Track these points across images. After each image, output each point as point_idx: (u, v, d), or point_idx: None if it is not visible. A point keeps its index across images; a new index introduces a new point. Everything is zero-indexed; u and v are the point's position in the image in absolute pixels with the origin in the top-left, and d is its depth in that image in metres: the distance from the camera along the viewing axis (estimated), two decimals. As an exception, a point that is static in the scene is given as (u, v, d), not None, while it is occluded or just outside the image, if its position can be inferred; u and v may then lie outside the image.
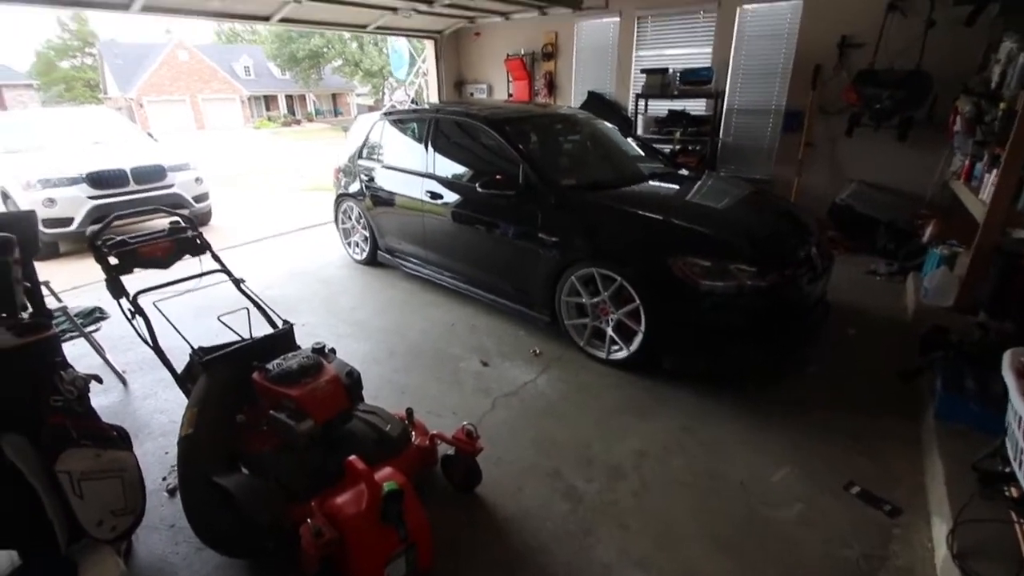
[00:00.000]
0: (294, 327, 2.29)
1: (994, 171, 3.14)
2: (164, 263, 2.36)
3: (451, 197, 3.83)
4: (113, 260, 2.19)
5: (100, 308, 3.94)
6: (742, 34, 5.70)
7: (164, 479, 2.28)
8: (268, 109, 37.33)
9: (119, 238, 2.24)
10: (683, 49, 6.21)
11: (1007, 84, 3.34)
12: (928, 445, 2.31)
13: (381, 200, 4.46)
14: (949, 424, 2.28)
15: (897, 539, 1.95)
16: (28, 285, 1.86)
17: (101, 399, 2.85)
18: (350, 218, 5.00)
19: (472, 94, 8.54)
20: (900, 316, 3.72)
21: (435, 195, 3.91)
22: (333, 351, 2.19)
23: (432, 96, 8.70)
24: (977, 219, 3.28)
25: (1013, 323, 2.72)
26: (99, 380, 1.87)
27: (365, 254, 4.93)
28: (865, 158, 5.27)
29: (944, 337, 2.76)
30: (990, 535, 1.73)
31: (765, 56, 5.63)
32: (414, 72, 10.48)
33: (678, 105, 6.12)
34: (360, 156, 4.73)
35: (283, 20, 5.99)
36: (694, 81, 5.80)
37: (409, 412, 2.26)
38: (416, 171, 4.10)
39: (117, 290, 2.14)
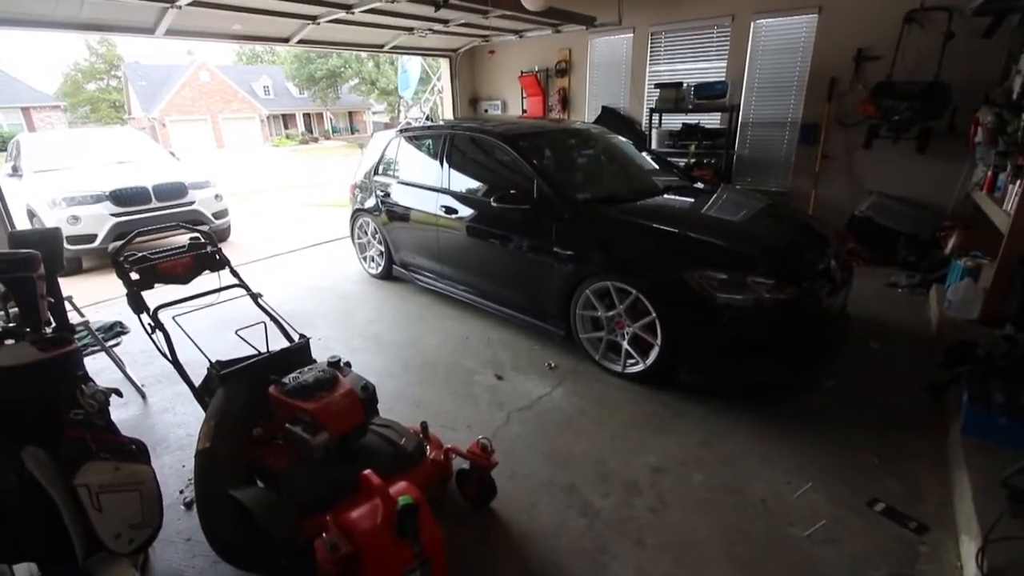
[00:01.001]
0: (310, 341, 2.31)
1: (1018, 181, 3.08)
2: (184, 279, 2.40)
3: (466, 212, 3.85)
4: (134, 276, 2.23)
5: (121, 323, 4.01)
6: (756, 48, 5.70)
7: (181, 492, 2.30)
8: (286, 127, 38.15)
9: (140, 254, 2.29)
10: (697, 63, 6.23)
11: (1029, 94, 3.29)
12: (955, 461, 2.24)
13: (396, 215, 4.50)
14: (976, 439, 2.20)
15: (924, 558, 1.88)
16: (52, 300, 1.90)
17: (120, 413, 2.89)
18: (366, 233, 5.06)
19: (486, 110, 8.65)
20: (923, 329, 3.63)
21: (450, 210, 3.94)
22: (348, 365, 2.19)
23: (447, 113, 8.83)
24: (1001, 230, 3.20)
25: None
26: (119, 394, 1.90)
27: (380, 268, 4.98)
28: (884, 170, 5.21)
29: (970, 350, 2.69)
30: (1021, 553, 1.66)
31: (780, 69, 5.62)
32: (429, 89, 10.65)
33: (692, 119, 6.12)
34: (376, 172, 4.80)
35: (302, 41, 6.14)
36: (708, 95, 5.80)
37: (424, 426, 2.25)
38: (431, 186, 4.15)
39: (138, 305, 2.18)
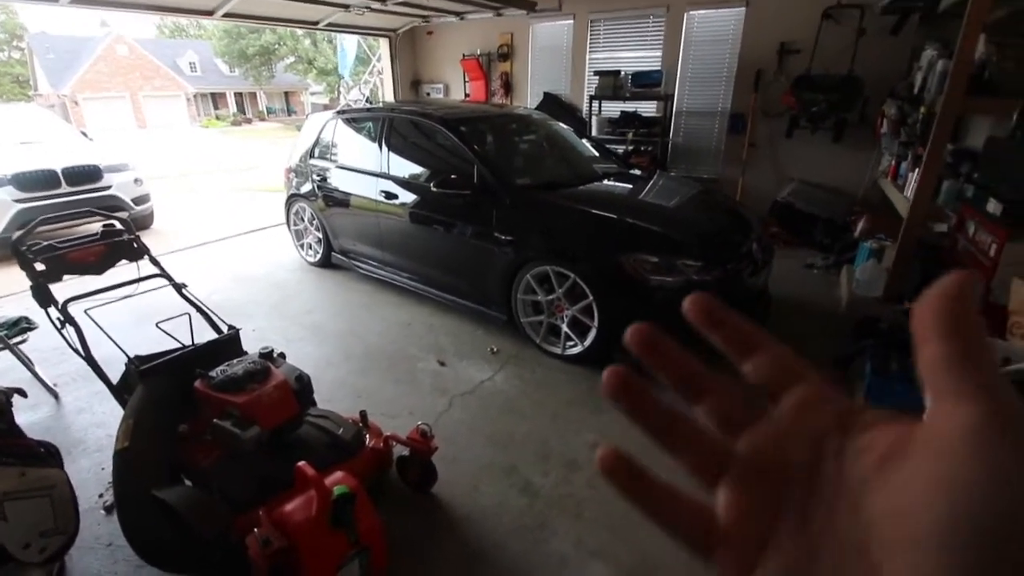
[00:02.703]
0: (241, 332, 2.22)
1: (916, 170, 3.36)
2: (97, 269, 2.25)
3: (406, 197, 3.79)
4: (40, 266, 2.07)
5: (27, 318, 3.67)
6: (689, 39, 5.89)
7: (101, 496, 2.17)
8: (216, 107, 35.86)
9: (47, 243, 2.13)
10: (635, 52, 6.36)
11: (927, 89, 3.58)
12: (859, 426, 2.46)
13: (334, 201, 4.37)
14: (878, 404, 2.42)
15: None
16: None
17: (29, 415, 2.68)
18: (302, 219, 4.88)
19: (428, 94, 8.48)
20: (835, 307, 3.93)
21: (390, 195, 3.86)
22: (282, 355, 2.14)
23: (387, 95, 8.59)
24: (902, 214, 3.50)
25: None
26: (23, 394, 1.77)
27: (319, 256, 4.83)
28: (804, 158, 5.55)
29: (874, 325, 2.95)
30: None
31: (711, 60, 5.84)
32: (369, 71, 10.32)
33: (630, 107, 6.27)
34: (312, 156, 4.63)
35: (228, 15, 5.78)
36: (645, 84, 5.96)
37: (363, 415, 2.23)
38: (370, 171, 4.04)
39: (44, 298, 2.03)
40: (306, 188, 4.63)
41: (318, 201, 4.51)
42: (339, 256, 4.64)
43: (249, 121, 34.49)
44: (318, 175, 4.50)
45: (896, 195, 3.77)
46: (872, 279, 3.64)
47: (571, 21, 6.63)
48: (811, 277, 4.59)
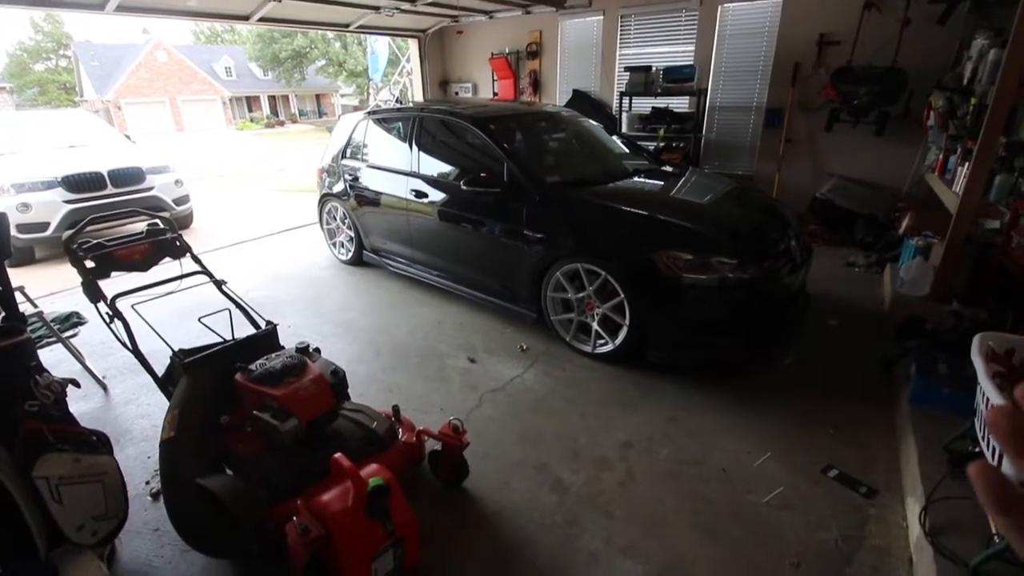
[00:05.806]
0: (278, 328, 2.27)
1: (966, 164, 3.22)
2: (142, 266, 2.33)
3: (436, 196, 3.83)
4: (89, 264, 2.16)
5: (77, 313, 3.87)
6: (723, 32, 5.77)
7: (147, 483, 2.26)
8: (250, 110, 36.83)
9: (95, 241, 2.22)
10: (666, 47, 6.26)
11: (978, 80, 3.43)
12: (903, 428, 2.37)
13: (366, 200, 4.44)
14: (923, 408, 2.34)
15: (873, 519, 2.00)
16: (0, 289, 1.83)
17: (81, 405, 2.81)
18: (335, 218, 4.98)
19: (457, 93, 8.53)
20: (878, 306, 3.79)
21: (420, 194, 3.90)
22: (318, 350, 2.18)
23: (417, 95, 8.68)
24: (950, 210, 3.35)
25: (985, 310, 2.80)
26: (76, 384, 1.84)
27: (351, 254, 4.91)
28: (844, 153, 5.37)
29: (919, 325, 2.83)
30: (960, 512, 1.78)
31: (746, 54, 5.70)
32: (398, 71, 10.46)
33: (662, 102, 6.17)
34: (344, 156, 4.71)
35: (263, 20, 5.93)
36: (677, 79, 5.86)
37: (396, 409, 2.26)
38: (401, 170, 4.09)
39: (94, 294, 2.12)
40: (338, 188, 4.71)
41: (350, 200, 4.59)
42: (370, 254, 4.71)
43: (282, 123, 35.30)
44: (350, 175, 4.57)
45: (944, 190, 3.62)
46: (918, 278, 3.50)
47: (601, 17, 6.57)
48: (852, 276, 4.44)
